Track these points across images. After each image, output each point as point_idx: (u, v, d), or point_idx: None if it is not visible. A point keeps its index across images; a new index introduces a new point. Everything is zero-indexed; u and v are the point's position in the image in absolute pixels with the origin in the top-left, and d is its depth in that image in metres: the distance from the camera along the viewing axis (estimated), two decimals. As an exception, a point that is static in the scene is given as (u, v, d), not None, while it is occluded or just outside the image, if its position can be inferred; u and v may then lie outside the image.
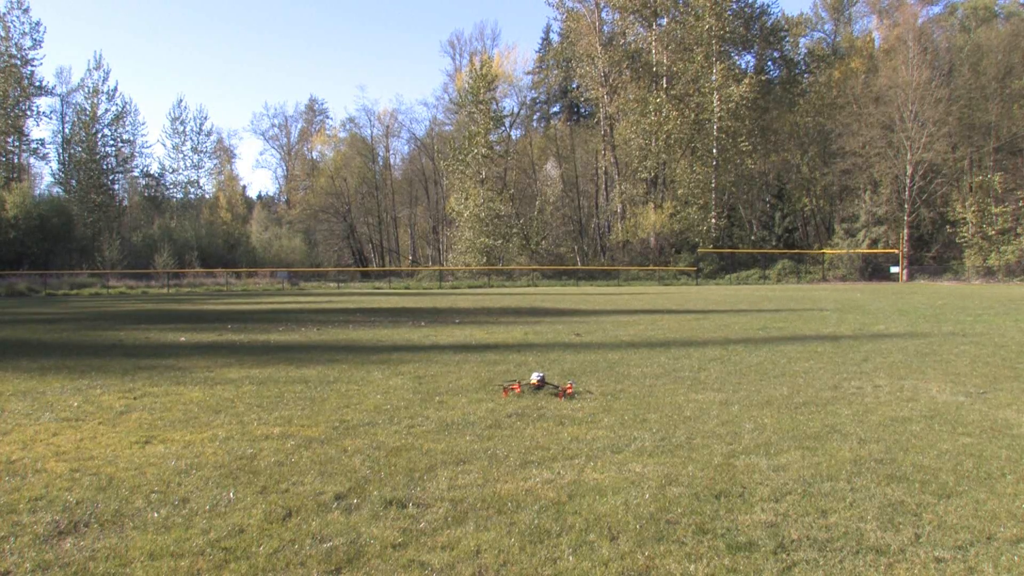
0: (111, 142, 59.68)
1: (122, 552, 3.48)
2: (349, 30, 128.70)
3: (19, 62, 55.92)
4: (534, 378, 7.62)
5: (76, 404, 7.06)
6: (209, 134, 68.09)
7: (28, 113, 58.25)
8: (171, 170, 66.53)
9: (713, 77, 51.31)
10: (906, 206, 48.61)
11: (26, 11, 56.07)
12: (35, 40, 56.49)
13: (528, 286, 45.62)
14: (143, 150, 77.77)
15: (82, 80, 58.79)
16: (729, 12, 51.48)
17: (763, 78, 54.39)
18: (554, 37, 66.97)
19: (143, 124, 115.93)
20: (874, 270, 49.75)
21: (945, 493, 4.28)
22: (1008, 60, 48.81)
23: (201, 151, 66.86)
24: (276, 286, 44.40)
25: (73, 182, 57.59)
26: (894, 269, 48.42)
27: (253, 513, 3.99)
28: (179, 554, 3.46)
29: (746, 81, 49.99)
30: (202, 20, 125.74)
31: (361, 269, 62.46)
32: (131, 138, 60.91)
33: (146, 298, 33.76)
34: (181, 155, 66.06)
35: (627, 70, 55.23)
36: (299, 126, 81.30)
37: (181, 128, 65.41)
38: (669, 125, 51.23)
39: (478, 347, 11.67)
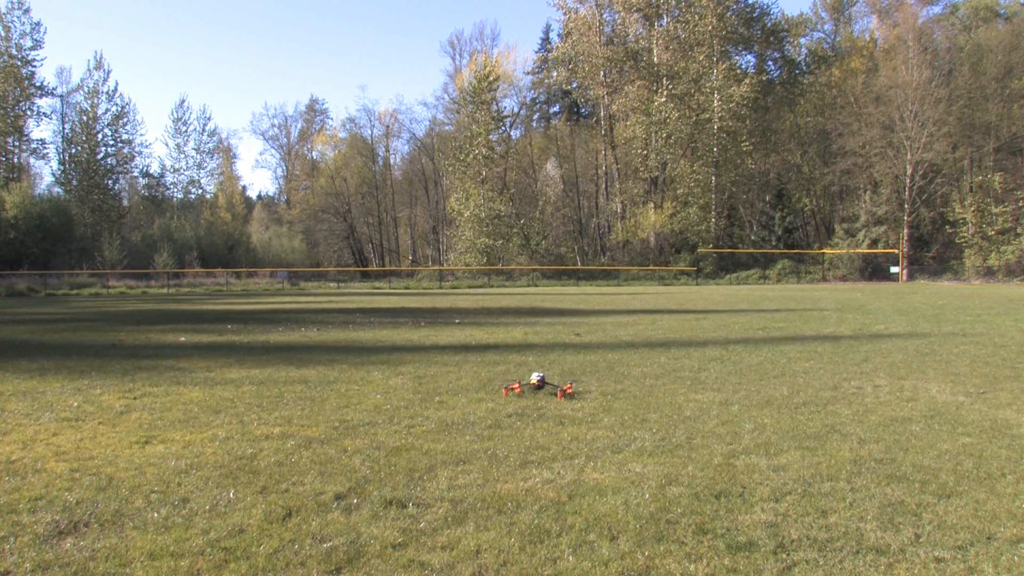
0: (111, 142, 59.76)
1: (122, 552, 3.49)
2: (349, 30, 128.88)
3: (19, 62, 55.92)
4: (534, 378, 7.62)
5: (76, 404, 7.06)
6: (212, 134, 68.33)
7: (28, 113, 58.30)
8: (172, 170, 66.75)
9: (714, 77, 51.31)
10: (906, 206, 48.58)
11: (26, 11, 56.17)
12: (35, 40, 56.55)
13: (528, 286, 45.61)
14: (143, 150, 77.99)
15: (82, 80, 58.95)
16: (730, 12, 51.47)
17: (764, 78, 54.36)
18: (554, 37, 66.99)
19: (141, 123, 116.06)
20: (874, 270, 49.73)
21: (945, 493, 4.28)
22: (1008, 60, 48.74)
23: (204, 151, 67.04)
24: (276, 286, 44.40)
25: (73, 182, 57.61)
26: (894, 269, 48.40)
27: (253, 513, 3.99)
28: (179, 554, 3.46)
29: (747, 81, 49.96)
30: (202, 21, 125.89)
31: (361, 269, 62.44)
32: (130, 138, 61.04)
33: (146, 298, 33.76)
34: (183, 155, 66.26)
35: (628, 70, 55.23)
36: (299, 126, 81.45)
37: (184, 128, 65.60)
38: (670, 125, 51.22)
39: (478, 347, 11.68)
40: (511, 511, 4.00)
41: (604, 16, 56.74)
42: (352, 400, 7.20)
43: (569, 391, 7.33)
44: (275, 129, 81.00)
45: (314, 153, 79.32)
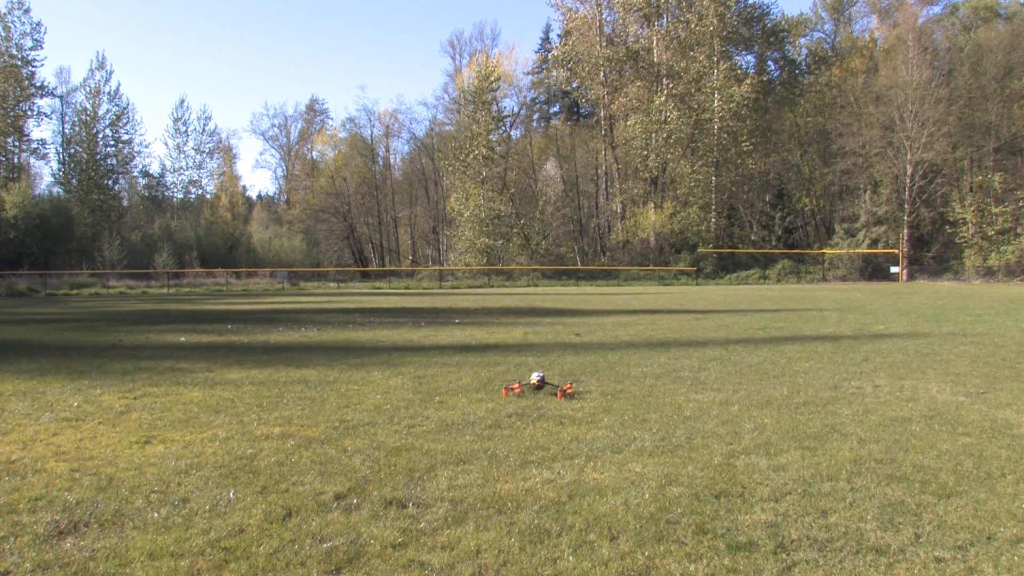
0: (112, 142, 59.77)
1: (122, 552, 3.48)
2: (349, 30, 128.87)
3: (20, 62, 55.91)
4: (534, 378, 7.62)
5: (76, 404, 7.05)
6: (212, 134, 68.37)
7: (28, 113, 58.26)
8: (172, 170, 66.80)
9: (714, 77, 51.31)
10: (906, 206, 48.60)
11: (27, 12, 56.15)
12: (36, 41, 56.52)
13: (528, 286, 45.61)
14: (142, 150, 77.98)
15: (84, 80, 58.95)
16: (731, 12, 51.44)
17: (764, 78, 54.37)
18: (554, 37, 67.04)
19: (140, 123, 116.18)
20: (874, 270, 49.74)
21: (945, 493, 4.28)
22: (1008, 60, 48.76)
23: (204, 151, 67.10)
24: (276, 286, 44.39)
25: (74, 182, 57.62)
26: (894, 269, 48.41)
27: (253, 513, 3.99)
28: (179, 554, 3.46)
29: (747, 81, 49.97)
30: (202, 20, 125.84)
31: (361, 269, 62.44)
32: (130, 138, 61.05)
33: (146, 298, 33.76)
34: (183, 155, 66.30)
35: (628, 70, 55.24)
36: (299, 126, 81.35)
37: (184, 128, 65.66)
38: (670, 125, 51.23)
39: (478, 347, 11.68)
40: (511, 511, 4.00)
41: (604, 16, 56.77)
42: (352, 400, 7.20)
43: (569, 391, 7.33)
44: (275, 129, 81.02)
45: (314, 153, 79.37)
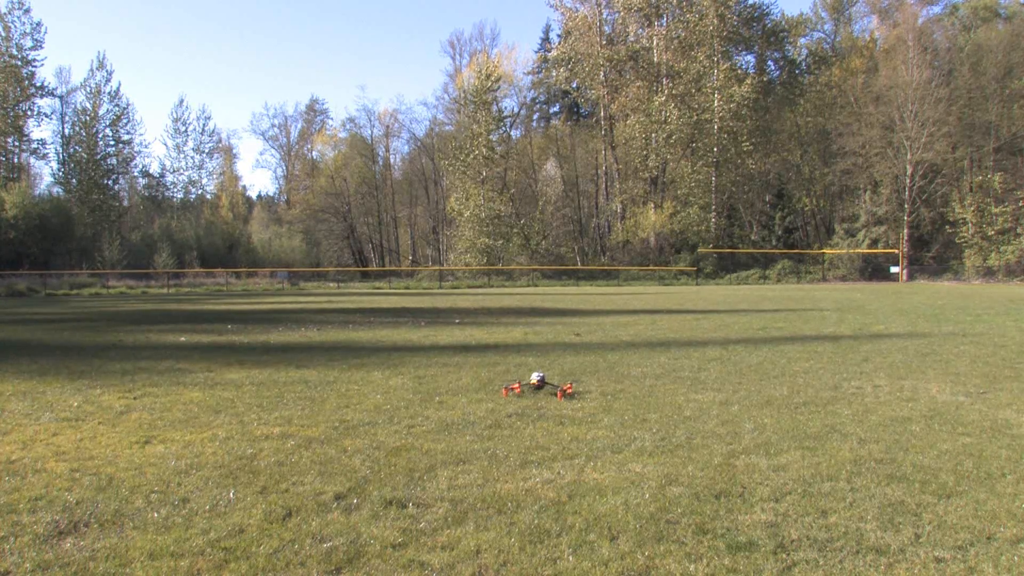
0: (112, 142, 59.78)
1: (122, 552, 3.48)
2: (349, 30, 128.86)
3: (20, 63, 55.90)
4: (534, 378, 7.62)
5: (76, 404, 7.05)
6: (212, 134, 68.39)
7: (28, 113, 58.24)
8: (172, 170, 66.83)
9: (714, 77, 51.31)
10: (906, 206, 48.60)
11: (27, 12, 56.14)
12: (36, 41, 56.51)
13: (528, 286, 45.61)
14: (142, 149, 78.02)
15: (84, 80, 58.96)
16: (731, 12, 51.41)
17: (764, 78, 54.36)
18: (554, 37, 67.04)
19: (140, 123, 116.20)
20: (874, 270, 49.75)
21: (945, 493, 4.28)
22: (1008, 60, 48.76)
23: (203, 151, 67.12)
24: (276, 286, 44.38)
25: (73, 182, 57.61)
26: (894, 269, 48.42)
27: (253, 513, 3.99)
28: (179, 554, 3.46)
29: (748, 81, 49.98)
30: (202, 20, 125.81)
31: (361, 269, 62.43)
32: (130, 138, 61.06)
33: (146, 298, 33.76)
34: (183, 155, 66.32)
35: (628, 70, 55.25)
36: (299, 126, 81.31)
37: (183, 128, 65.67)
38: (670, 125, 51.23)
39: (478, 347, 11.67)
40: (511, 511, 4.00)
41: (604, 16, 56.77)
42: (352, 400, 7.20)
43: (569, 391, 7.33)
44: (275, 129, 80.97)
45: (314, 153, 79.36)
